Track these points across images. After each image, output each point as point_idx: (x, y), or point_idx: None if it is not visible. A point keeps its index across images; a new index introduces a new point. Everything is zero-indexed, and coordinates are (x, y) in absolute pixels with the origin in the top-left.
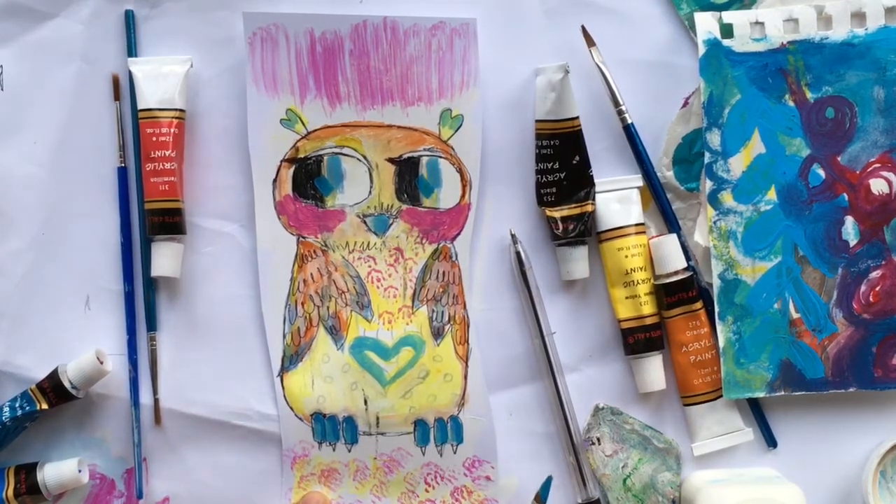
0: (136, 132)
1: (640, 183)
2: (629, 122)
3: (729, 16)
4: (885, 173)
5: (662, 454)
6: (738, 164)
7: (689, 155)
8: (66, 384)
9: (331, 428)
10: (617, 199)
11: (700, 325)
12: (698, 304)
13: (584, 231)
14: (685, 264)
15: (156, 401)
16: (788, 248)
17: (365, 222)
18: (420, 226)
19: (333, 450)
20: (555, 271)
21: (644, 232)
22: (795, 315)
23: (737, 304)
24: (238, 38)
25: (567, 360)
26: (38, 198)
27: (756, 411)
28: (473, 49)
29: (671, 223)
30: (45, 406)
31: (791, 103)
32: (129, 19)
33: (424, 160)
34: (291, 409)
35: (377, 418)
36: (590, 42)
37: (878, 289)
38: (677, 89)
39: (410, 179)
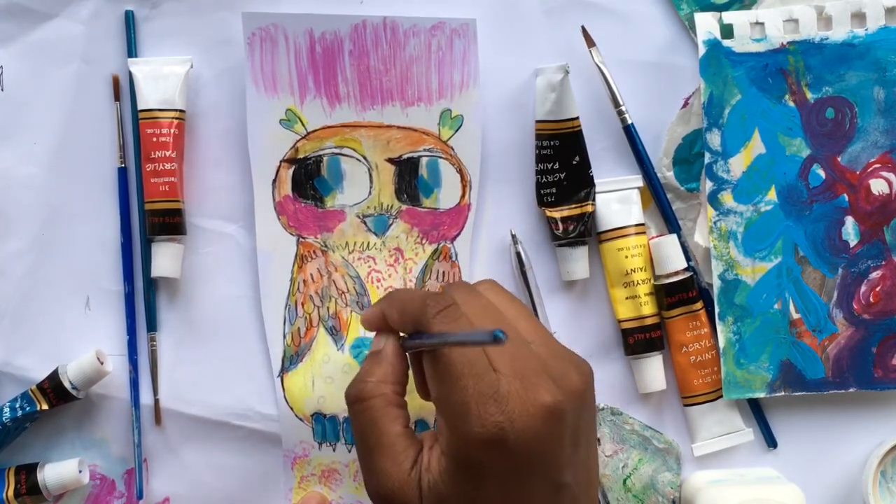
0: (136, 132)
1: (641, 183)
2: (629, 122)
3: (729, 16)
4: (885, 174)
5: (663, 454)
6: (738, 165)
7: (690, 155)
8: (67, 385)
9: (331, 428)
10: (617, 199)
11: (700, 325)
12: (698, 305)
13: (585, 231)
14: (685, 265)
15: (156, 401)
16: (789, 249)
17: (365, 222)
18: (420, 226)
19: (334, 450)
20: (555, 271)
21: (644, 232)
22: (796, 315)
23: (737, 305)
24: (238, 39)
25: None
26: (38, 198)
27: (756, 411)
28: (473, 49)
29: (671, 223)
30: (45, 406)
31: (791, 104)
32: (129, 20)
33: (424, 160)
34: (292, 409)
35: None
36: (590, 42)
37: (878, 289)
38: (677, 89)
39: (410, 180)
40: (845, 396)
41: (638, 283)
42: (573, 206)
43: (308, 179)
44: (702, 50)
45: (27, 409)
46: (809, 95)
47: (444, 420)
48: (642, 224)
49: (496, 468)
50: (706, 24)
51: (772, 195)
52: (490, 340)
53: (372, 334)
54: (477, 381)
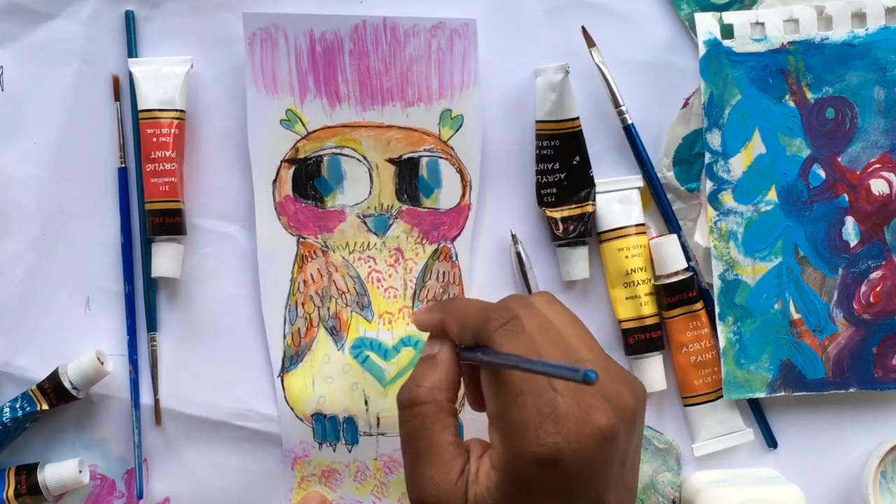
0: (136, 133)
1: (641, 183)
2: (629, 122)
3: (729, 16)
4: (885, 174)
5: (663, 454)
6: (738, 165)
7: (690, 155)
8: (67, 385)
9: (331, 428)
10: (617, 199)
11: (700, 325)
12: (699, 305)
13: (585, 231)
14: (685, 265)
15: (156, 401)
16: (789, 249)
17: (365, 223)
18: (420, 226)
19: (334, 450)
20: (555, 272)
21: (644, 232)
22: (796, 315)
23: (737, 305)
24: (238, 39)
25: None
26: (38, 198)
27: (756, 412)
28: (473, 49)
29: (671, 224)
30: (45, 406)
31: (791, 104)
32: (129, 19)
33: (424, 160)
34: (292, 409)
35: (378, 419)
36: (590, 42)
37: (878, 289)
38: (677, 90)
39: (410, 180)
40: (845, 396)
41: (638, 283)
42: (573, 206)
43: (308, 179)
44: (702, 50)
45: (27, 409)
46: (809, 95)
47: (499, 435)
48: (642, 224)
49: (547, 486)
50: (706, 24)
51: (772, 195)
52: (580, 379)
53: (375, 334)
54: (535, 399)
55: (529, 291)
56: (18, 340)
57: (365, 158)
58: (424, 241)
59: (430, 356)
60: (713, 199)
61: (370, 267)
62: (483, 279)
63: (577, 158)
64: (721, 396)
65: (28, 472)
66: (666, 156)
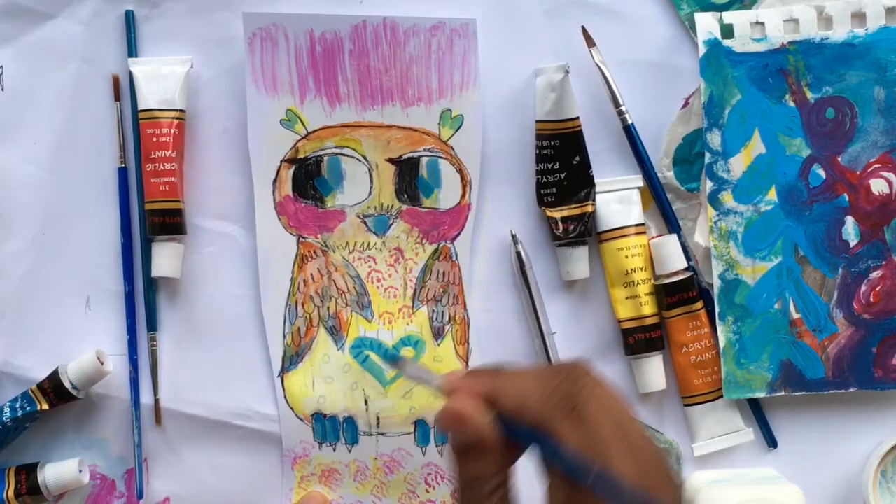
0: (136, 132)
1: (641, 183)
2: (629, 122)
3: (729, 16)
4: (885, 173)
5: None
6: (738, 165)
7: (690, 155)
8: (67, 384)
9: (331, 428)
10: (617, 199)
11: (700, 325)
12: (699, 305)
13: (585, 231)
14: (685, 264)
15: (156, 401)
16: (789, 249)
17: (365, 222)
18: (420, 226)
19: (334, 450)
20: (555, 271)
21: (644, 232)
22: (796, 315)
23: (737, 305)
24: (238, 39)
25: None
26: (38, 198)
27: (756, 411)
28: (473, 49)
29: (671, 223)
30: (45, 406)
31: (791, 103)
32: (130, 19)
33: (424, 160)
34: (292, 409)
35: (378, 418)
36: (590, 42)
37: (878, 289)
38: (677, 89)
39: (410, 180)
40: (845, 396)
41: (638, 283)
42: (573, 205)
43: (308, 179)
44: (702, 50)
45: (27, 408)
46: (809, 95)
47: None
48: (642, 224)
49: None
50: (706, 23)
51: (772, 195)
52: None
53: (375, 334)
54: None
55: (529, 291)
56: (18, 340)
57: (365, 158)
58: (424, 241)
59: (475, 445)
60: (713, 199)
61: (370, 267)
62: (483, 279)
63: (577, 158)
64: (721, 396)
65: (28, 472)
66: (666, 155)
